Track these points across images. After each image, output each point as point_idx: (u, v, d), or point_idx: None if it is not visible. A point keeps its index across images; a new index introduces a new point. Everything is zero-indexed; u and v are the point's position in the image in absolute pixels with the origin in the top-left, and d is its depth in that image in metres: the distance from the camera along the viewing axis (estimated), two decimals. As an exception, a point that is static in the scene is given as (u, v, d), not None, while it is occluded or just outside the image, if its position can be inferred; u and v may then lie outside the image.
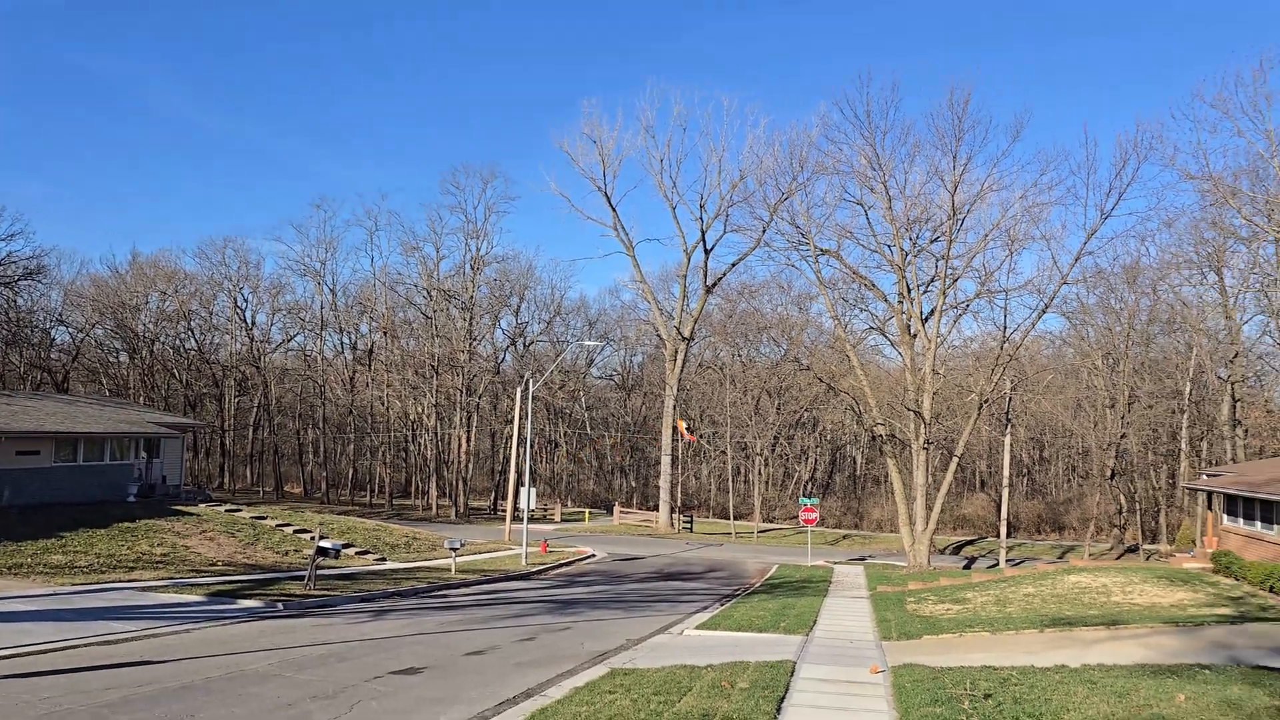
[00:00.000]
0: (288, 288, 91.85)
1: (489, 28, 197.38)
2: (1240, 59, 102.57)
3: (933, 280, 44.88)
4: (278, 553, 32.80)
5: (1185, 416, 59.26)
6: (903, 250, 44.42)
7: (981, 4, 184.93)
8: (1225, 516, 33.43)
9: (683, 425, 57.77)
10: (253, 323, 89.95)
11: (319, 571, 26.60)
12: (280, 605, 22.03)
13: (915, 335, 44.73)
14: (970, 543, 64.69)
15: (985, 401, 45.09)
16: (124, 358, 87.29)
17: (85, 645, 15.95)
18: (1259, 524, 29.68)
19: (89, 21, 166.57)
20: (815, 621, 23.55)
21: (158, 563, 27.94)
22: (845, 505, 79.14)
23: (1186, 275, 58.98)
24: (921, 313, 44.75)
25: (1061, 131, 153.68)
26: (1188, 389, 58.61)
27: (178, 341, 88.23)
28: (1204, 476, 41.57)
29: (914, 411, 43.08)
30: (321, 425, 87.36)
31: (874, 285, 47.33)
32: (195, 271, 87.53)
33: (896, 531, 51.52)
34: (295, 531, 36.69)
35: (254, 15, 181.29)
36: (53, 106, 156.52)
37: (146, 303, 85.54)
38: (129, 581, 24.37)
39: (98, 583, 23.69)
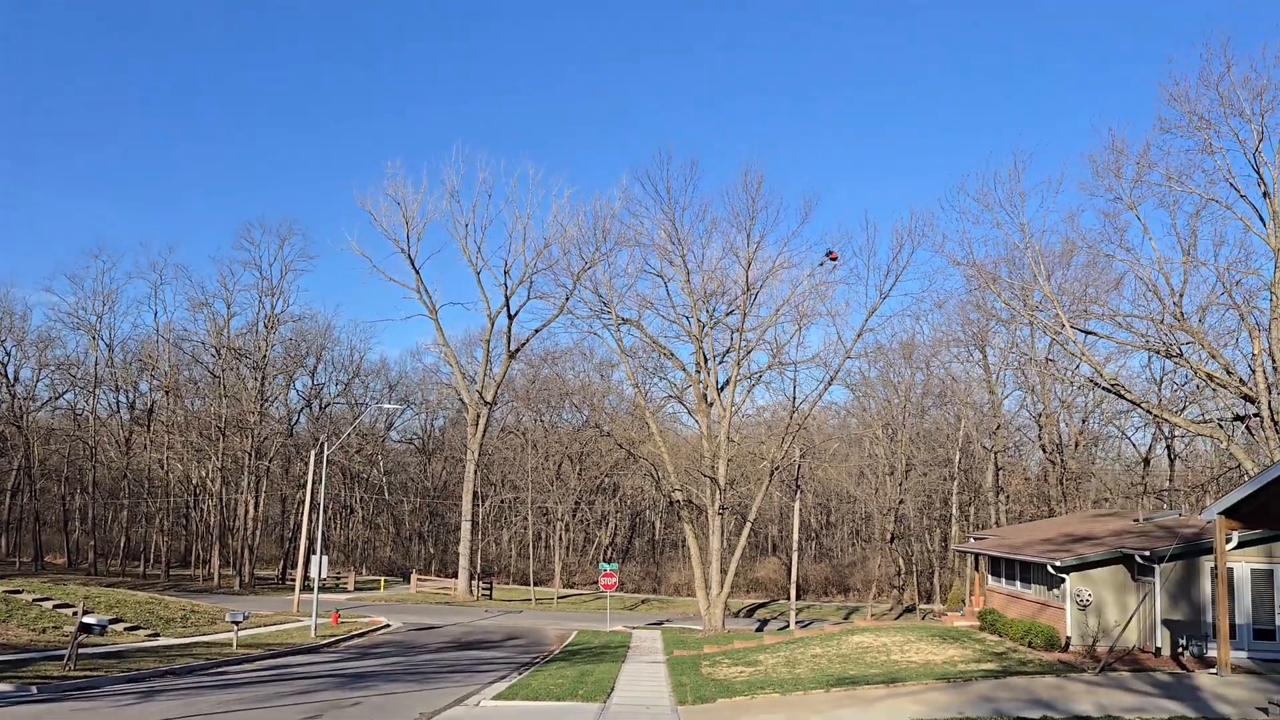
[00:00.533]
0: (58, 342, 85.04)
1: (291, 86, 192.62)
2: (998, 158, 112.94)
3: (728, 351, 46.66)
4: (34, 630, 30.05)
5: (955, 483, 63.68)
6: (700, 322, 46.05)
7: (777, 87, 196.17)
8: (990, 577, 35.99)
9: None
10: (15, 378, 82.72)
11: (82, 650, 24.59)
12: (34, 688, 20.19)
13: (712, 404, 46.25)
14: (763, 605, 66.65)
15: (776, 468, 47.01)
16: None
17: None
18: (1019, 584, 32.13)
19: None
20: (613, 688, 23.67)
21: (-111, 645, 25.06)
22: (645, 570, 79.95)
23: (955, 353, 63.92)
24: (718, 382, 46.36)
25: (846, 215, 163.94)
26: (957, 458, 63.08)
27: (-76, 397, 79.94)
28: (971, 540, 44.70)
29: (710, 478, 44.35)
30: (91, 490, 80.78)
31: (673, 355, 48.74)
32: (-51, 321, 79.84)
33: (694, 595, 52.51)
34: (56, 606, 33.71)
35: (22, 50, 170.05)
36: None
37: (-112, 353, 77.28)
38: None
39: None
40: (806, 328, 46.06)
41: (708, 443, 45.39)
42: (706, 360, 46.03)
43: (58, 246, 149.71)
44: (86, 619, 24.89)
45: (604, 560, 70.93)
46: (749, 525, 48.05)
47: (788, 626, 48.78)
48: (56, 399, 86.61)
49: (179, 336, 79.91)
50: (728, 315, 46.97)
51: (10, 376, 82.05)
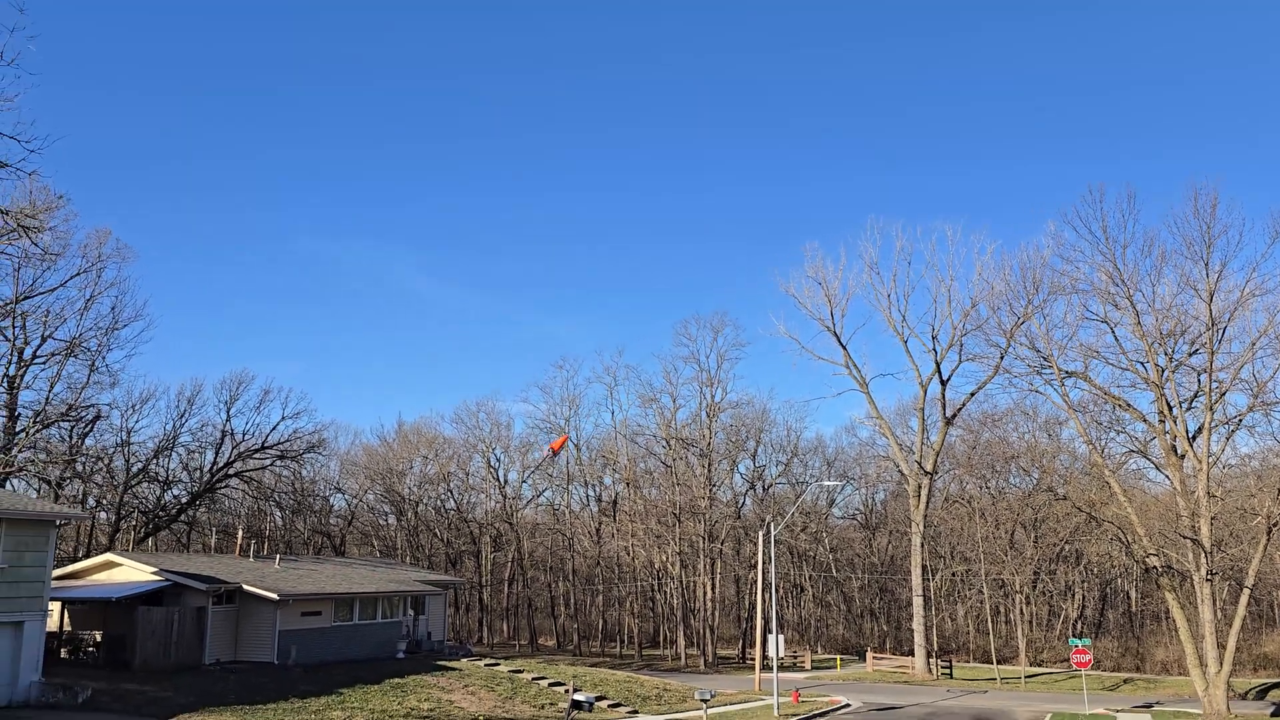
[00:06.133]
0: (536, 446, 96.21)
1: (700, 191, 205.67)
2: None
3: (1196, 396, 41.77)
4: (535, 706, 33.66)
5: None
6: (1158, 366, 41.74)
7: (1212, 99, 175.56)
8: None
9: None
10: (505, 481, 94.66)
11: (574, 725, 27.10)
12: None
13: (1183, 456, 41.44)
14: (1277, 685, 57.31)
15: (1275, 524, 40.73)
16: (392, 520, 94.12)
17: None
18: None
19: (341, 218, 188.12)
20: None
21: (425, 717, 29.36)
22: (1122, 645, 72.36)
23: None
24: (1188, 432, 41.52)
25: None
26: None
27: (439, 502, 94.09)
28: None
29: (1191, 539, 39.47)
30: (571, 577, 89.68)
31: (1129, 405, 44.53)
32: (453, 436, 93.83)
33: (1185, 674, 46.67)
34: (550, 684, 37.61)
35: (484, 199, 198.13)
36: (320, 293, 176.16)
37: (411, 468, 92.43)
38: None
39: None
40: (1293, 359, 39.91)
41: (1183, 500, 40.57)
42: (1170, 408, 41.48)
43: (532, 362, 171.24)
44: (577, 696, 27.55)
45: (1073, 635, 65.27)
46: (1246, 592, 41.83)
47: (1315, 711, 41.52)
48: (538, 497, 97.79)
49: (633, 432, 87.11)
50: (1191, 356, 42.19)
51: (501, 480, 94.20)
